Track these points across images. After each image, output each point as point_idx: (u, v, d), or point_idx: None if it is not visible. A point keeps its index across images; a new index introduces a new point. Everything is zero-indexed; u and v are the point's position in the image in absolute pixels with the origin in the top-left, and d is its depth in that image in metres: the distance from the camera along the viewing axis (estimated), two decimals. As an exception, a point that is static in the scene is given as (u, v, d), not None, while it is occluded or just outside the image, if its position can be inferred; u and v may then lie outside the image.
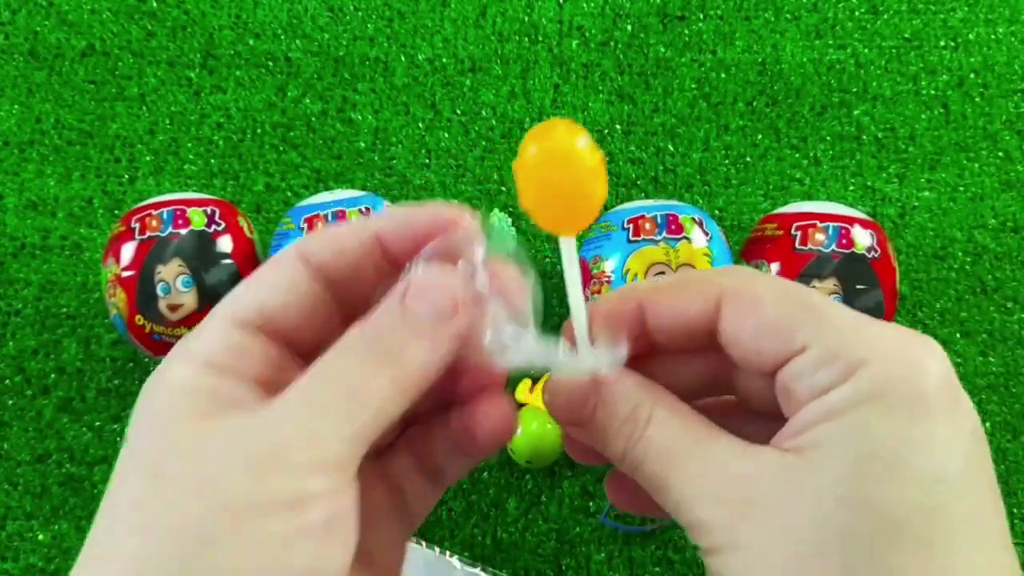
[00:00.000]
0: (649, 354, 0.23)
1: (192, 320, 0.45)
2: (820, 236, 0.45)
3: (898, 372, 0.18)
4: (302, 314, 0.20)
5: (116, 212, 0.55)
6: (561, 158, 0.20)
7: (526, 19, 0.60)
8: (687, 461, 0.20)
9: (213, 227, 0.46)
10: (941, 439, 0.18)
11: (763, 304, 0.20)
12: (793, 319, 0.20)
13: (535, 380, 0.50)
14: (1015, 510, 0.49)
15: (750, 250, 0.48)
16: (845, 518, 0.17)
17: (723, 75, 0.59)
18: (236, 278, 0.46)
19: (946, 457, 0.18)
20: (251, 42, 0.59)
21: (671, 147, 0.57)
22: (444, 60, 0.59)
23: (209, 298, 0.45)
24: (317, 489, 0.17)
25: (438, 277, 0.19)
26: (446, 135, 0.57)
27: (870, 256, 0.44)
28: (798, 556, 0.18)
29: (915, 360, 0.18)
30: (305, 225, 0.45)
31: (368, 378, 0.18)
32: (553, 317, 0.53)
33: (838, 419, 0.18)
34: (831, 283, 0.44)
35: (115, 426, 0.50)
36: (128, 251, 0.45)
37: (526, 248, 0.55)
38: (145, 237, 0.45)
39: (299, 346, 0.21)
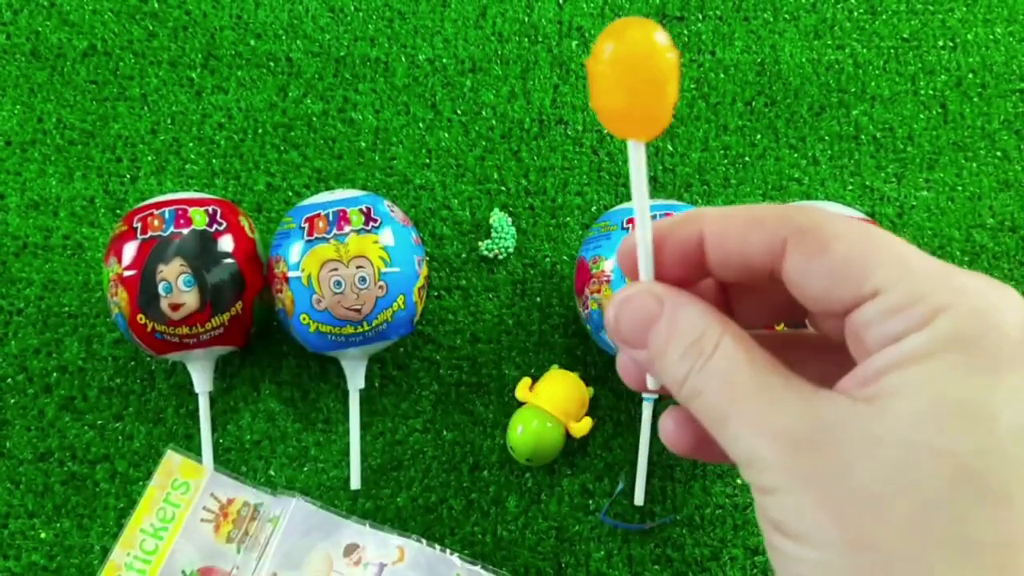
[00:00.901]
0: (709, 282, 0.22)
1: (194, 319, 0.45)
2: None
3: (980, 320, 0.17)
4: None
5: (118, 212, 0.55)
6: (643, 55, 0.19)
7: (526, 20, 0.60)
8: (751, 395, 0.19)
9: (215, 226, 0.46)
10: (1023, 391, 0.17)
11: (832, 245, 0.19)
12: (865, 262, 0.18)
13: (535, 379, 0.50)
14: None
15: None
16: (921, 466, 0.17)
17: (722, 75, 0.59)
18: (238, 277, 0.46)
19: None
20: (252, 42, 0.59)
21: (670, 147, 0.57)
22: (444, 60, 0.59)
23: (210, 297, 0.45)
24: None
25: None
26: (446, 135, 0.57)
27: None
28: (864, 501, 0.17)
29: (997, 309, 0.17)
30: (306, 224, 0.45)
31: None
32: (553, 317, 0.53)
33: (914, 366, 0.17)
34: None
35: (117, 424, 0.50)
36: (130, 250, 0.45)
37: (526, 247, 0.55)
38: (147, 236, 0.45)
39: None
